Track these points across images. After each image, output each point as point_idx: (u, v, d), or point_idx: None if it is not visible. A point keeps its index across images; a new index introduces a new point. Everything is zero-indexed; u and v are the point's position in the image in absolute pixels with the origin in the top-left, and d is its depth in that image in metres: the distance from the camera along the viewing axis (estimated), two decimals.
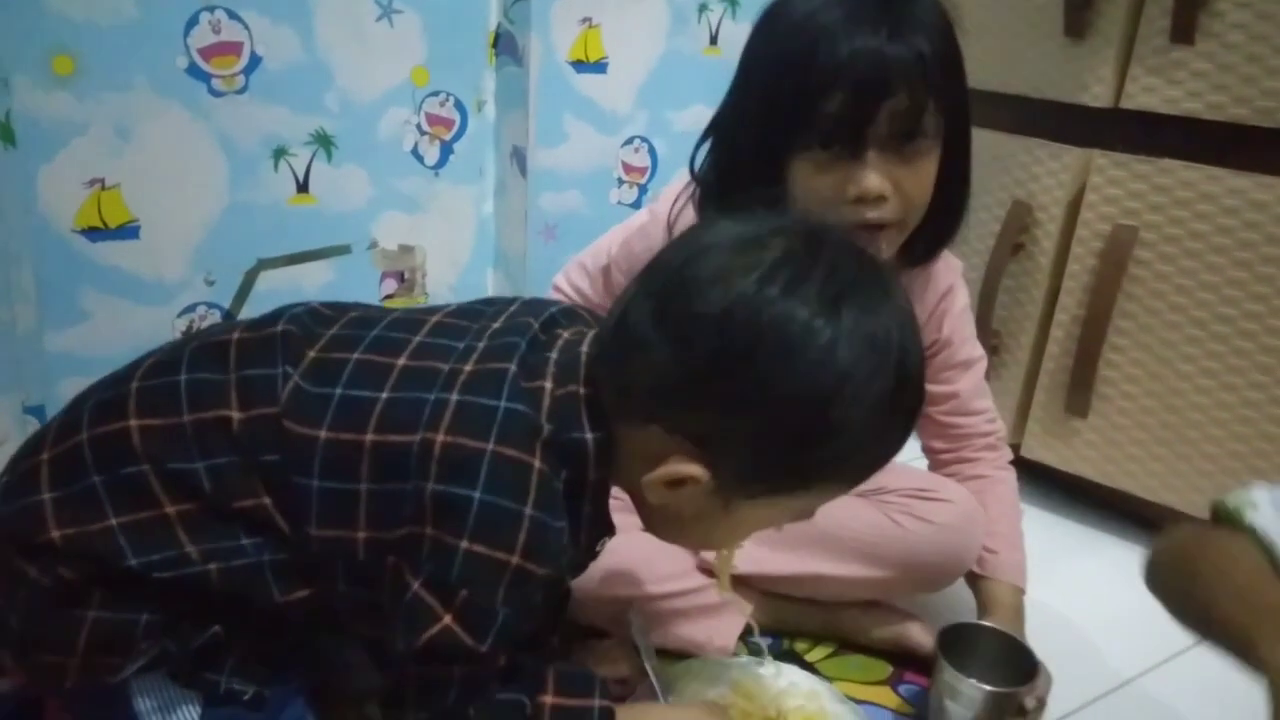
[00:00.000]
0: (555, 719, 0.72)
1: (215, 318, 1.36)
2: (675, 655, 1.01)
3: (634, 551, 1.03)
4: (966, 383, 1.10)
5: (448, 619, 0.66)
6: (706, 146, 1.00)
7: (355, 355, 0.71)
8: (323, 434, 0.68)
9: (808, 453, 0.66)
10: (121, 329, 1.30)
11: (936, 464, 1.14)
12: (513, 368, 0.69)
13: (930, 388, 1.02)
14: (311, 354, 0.71)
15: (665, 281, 0.68)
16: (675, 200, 1.02)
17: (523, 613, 0.69)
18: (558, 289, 1.14)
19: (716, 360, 0.64)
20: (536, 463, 0.66)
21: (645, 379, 0.67)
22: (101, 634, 0.68)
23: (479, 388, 0.68)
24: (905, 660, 1.05)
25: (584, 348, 0.72)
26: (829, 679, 1.00)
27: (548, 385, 0.69)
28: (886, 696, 1.01)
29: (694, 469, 0.66)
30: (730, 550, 0.87)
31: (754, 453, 0.66)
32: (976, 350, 1.11)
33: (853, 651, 1.07)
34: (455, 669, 0.68)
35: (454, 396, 0.67)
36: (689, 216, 1.00)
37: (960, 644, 0.94)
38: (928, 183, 0.93)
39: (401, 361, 0.71)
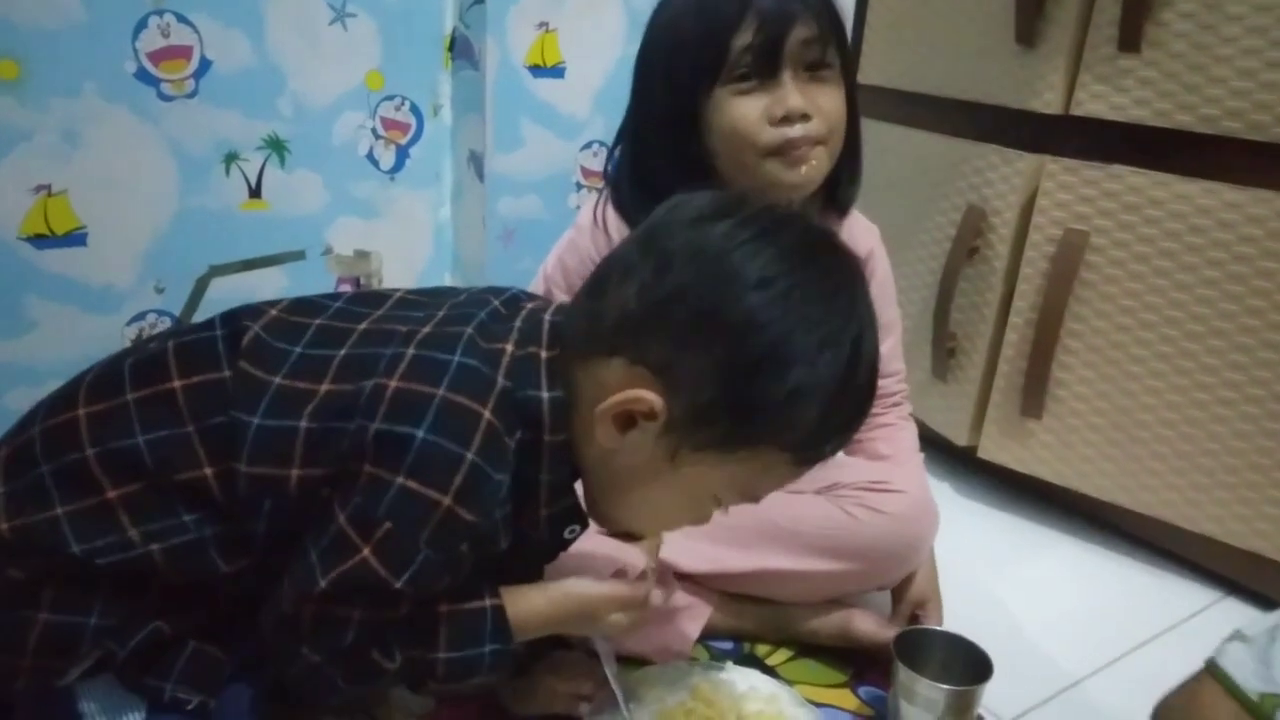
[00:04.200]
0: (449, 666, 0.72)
1: (165, 326, 1.34)
2: (636, 661, 1.01)
3: (590, 555, 1.04)
4: (886, 345, 1.15)
5: (366, 551, 0.65)
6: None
7: (317, 321, 0.73)
8: (277, 380, 0.69)
9: (756, 393, 0.67)
10: (69, 338, 1.28)
11: None
12: (469, 330, 0.70)
13: None
14: (273, 313, 0.73)
15: (652, 221, 0.71)
16: (595, 204, 1.07)
17: (445, 560, 0.68)
18: None
19: (682, 290, 0.67)
20: (486, 414, 0.67)
21: (617, 306, 0.69)
22: (50, 636, 0.68)
23: (435, 344, 0.69)
24: (864, 663, 1.06)
25: (548, 315, 0.74)
26: (789, 682, 1.01)
27: (508, 347, 0.71)
28: (846, 699, 1.02)
29: (650, 396, 0.67)
30: (658, 540, 0.87)
31: (707, 385, 0.67)
32: (895, 313, 1.20)
33: (812, 655, 1.08)
34: (356, 612, 0.68)
35: (410, 350, 0.69)
36: (614, 215, 1.05)
37: (916, 647, 0.95)
38: (840, 107, 1.00)
39: (362, 326, 0.72)
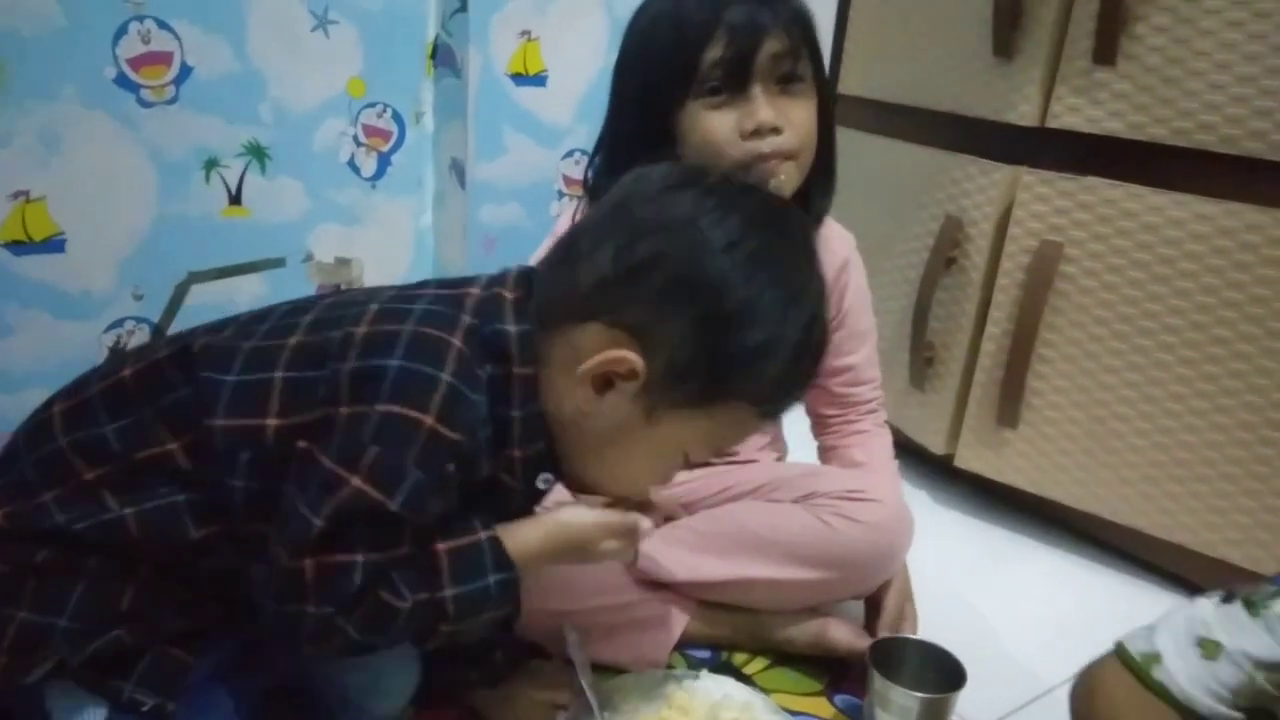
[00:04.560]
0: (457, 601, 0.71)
1: (144, 333, 1.34)
2: (612, 670, 1.01)
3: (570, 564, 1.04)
4: (862, 354, 1.18)
5: (356, 480, 0.65)
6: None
7: (285, 306, 0.77)
8: (249, 344, 0.72)
9: (730, 349, 0.70)
10: (46, 345, 1.27)
11: (822, 428, 1.22)
12: (432, 285, 0.75)
13: (831, 362, 1.15)
14: (244, 317, 0.77)
15: (619, 191, 0.75)
16: (574, 212, 1.08)
17: (435, 482, 0.68)
18: None
19: (657, 256, 0.70)
20: (457, 342, 0.69)
21: (592, 274, 0.71)
22: (24, 635, 0.69)
23: (400, 299, 0.73)
24: (840, 671, 1.07)
25: (514, 269, 0.78)
26: (766, 691, 1.01)
27: (474, 290, 0.74)
28: (822, 707, 1.02)
29: (632, 356, 0.70)
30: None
31: (684, 344, 0.70)
32: (871, 321, 1.20)
33: (789, 663, 1.08)
34: (358, 553, 0.66)
35: (375, 305, 0.72)
36: None
37: (891, 655, 0.96)
38: (811, 120, 1.00)
39: (328, 300, 0.76)
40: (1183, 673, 0.70)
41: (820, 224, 1.11)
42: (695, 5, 0.95)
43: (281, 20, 1.34)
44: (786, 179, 0.99)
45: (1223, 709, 0.69)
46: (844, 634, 1.05)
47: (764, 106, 0.96)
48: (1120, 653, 0.75)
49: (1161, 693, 0.70)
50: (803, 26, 0.98)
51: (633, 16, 1.03)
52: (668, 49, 0.97)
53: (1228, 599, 0.71)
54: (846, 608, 1.13)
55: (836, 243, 1.14)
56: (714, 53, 0.95)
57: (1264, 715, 0.69)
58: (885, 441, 1.20)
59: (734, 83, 0.96)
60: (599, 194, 1.07)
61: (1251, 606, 0.69)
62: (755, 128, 0.96)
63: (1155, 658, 0.72)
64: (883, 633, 1.07)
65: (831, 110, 1.04)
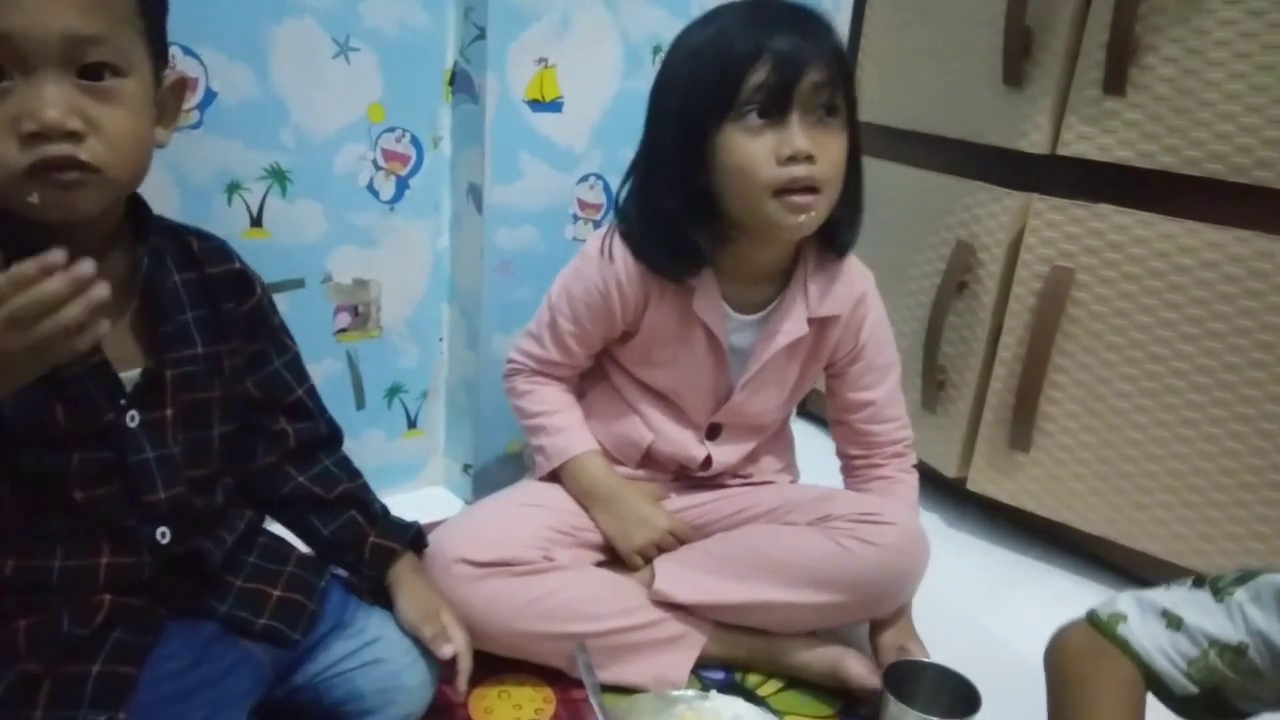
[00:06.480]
0: None
1: None
2: (625, 691, 1.02)
3: (584, 587, 1.05)
4: (883, 389, 1.18)
5: None
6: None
7: None
8: None
9: None
10: None
11: (848, 470, 1.22)
12: None
13: (849, 395, 1.16)
14: None
15: None
16: (604, 235, 1.11)
17: None
18: (512, 361, 1.22)
19: None
20: None
21: None
22: None
23: None
24: (853, 697, 1.07)
25: None
26: (779, 713, 1.02)
27: None
28: None
29: None
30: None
31: None
32: (893, 356, 1.19)
33: (802, 686, 1.09)
34: None
35: None
36: (620, 246, 1.09)
37: (905, 679, 0.96)
38: (842, 155, 1.02)
39: None
40: (1144, 634, 0.74)
41: (844, 256, 1.12)
42: (741, 32, 0.97)
43: (304, 47, 1.36)
44: (816, 215, 1.01)
45: (1178, 675, 0.72)
46: (860, 669, 1.05)
47: (800, 135, 0.97)
48: (1089, 615, 0.79)
49: (1123, 646, 0.74)
50: (840, 62, 1.00)
51: (674, 42, 1.05)
52: (711, 72, 0.98)
53: (1198, 584, 0.76)
54: (858, 638, 1.13)
55: (856, 278, 1.15)
56: (757, 77, 0.96)
57: (1215, 696, 0.72)
58: (907, 489, 1.19)
59: (774, 108, 0.97)
60: (630, 217, 1.08)
61: (1217, 593, 0.73)
62: (792, 153, 0.97)
63: (1121, 617, 0.76)
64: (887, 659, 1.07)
65: (859, 146, 1.05)
